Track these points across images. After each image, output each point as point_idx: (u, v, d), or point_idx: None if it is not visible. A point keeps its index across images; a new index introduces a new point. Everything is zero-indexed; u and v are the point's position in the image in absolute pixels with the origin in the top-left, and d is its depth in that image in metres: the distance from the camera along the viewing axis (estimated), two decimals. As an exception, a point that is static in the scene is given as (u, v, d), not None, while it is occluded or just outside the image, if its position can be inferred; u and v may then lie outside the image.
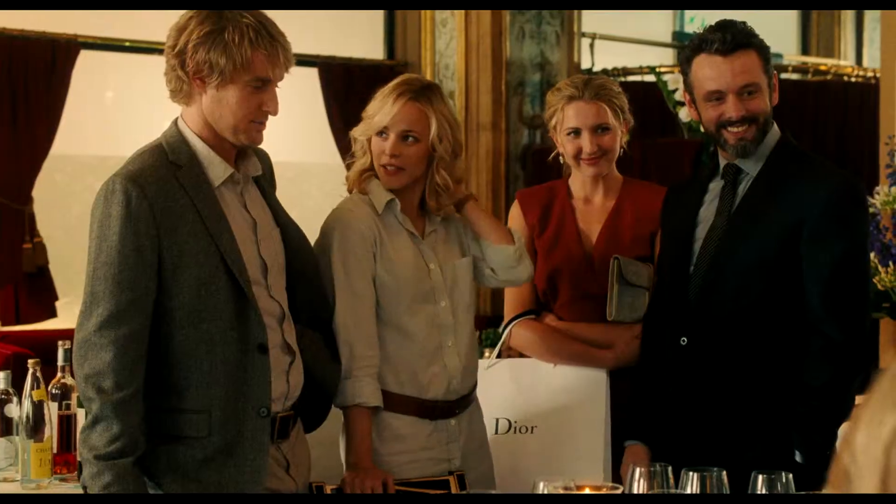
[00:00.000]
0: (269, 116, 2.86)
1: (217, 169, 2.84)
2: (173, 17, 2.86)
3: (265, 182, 3.01)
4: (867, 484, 1.02)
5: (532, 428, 3.49)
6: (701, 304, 3.17)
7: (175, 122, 2.89)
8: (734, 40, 3.08)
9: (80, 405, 3.28)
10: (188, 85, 2.81)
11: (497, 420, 3.51)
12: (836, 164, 3.28)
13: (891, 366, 1.06)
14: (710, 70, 3.09)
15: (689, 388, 3.16)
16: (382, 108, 3.16)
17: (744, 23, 3.14)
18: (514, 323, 3.57)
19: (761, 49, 3.10)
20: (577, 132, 3.45)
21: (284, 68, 2.84)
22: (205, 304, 2.74)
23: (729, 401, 3.09)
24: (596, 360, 3.46)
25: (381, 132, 3.17)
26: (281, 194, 3.10)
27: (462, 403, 3.24)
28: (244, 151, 2.92)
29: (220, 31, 2.76)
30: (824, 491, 1.08)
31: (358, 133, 3.22)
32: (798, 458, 2.92)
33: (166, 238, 2.72)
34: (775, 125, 3.17)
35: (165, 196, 2.74)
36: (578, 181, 3.57)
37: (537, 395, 3.52)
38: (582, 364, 3.48)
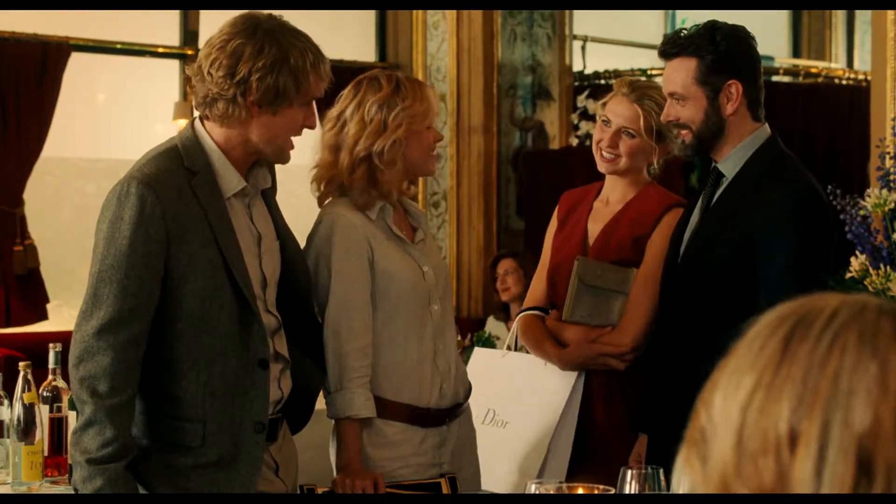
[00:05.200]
0: None
1: (231, 180, 2.81)
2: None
3: (270, 193, 3.00)
4: (722, 442, 1.07)
5: (505, 423, 3.51)
6: (668, 308, 3.20)
7: (192, 125, 2.85)
8: (671, 45, 3.13)
9: (71, 408, 3.27)
10: (242, 110, 2.77)
11: (488, 410, 3.56)
12: (826, 167, 3.29)
13: (747, 332, 1.10)
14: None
15: (660, 388, 3.21)
16: (427, 100, 3.18)
17: (710, 27, 3.12)
18: (518, 316, 3.63)
19: (707, 57, 3.08)
20: (607, 122, 3.49)
21: (328, 84, 2.88)
22: (207, 316, 2.72)
23: (689, 405, 3.11)
24: (550, 358, 3.50)
25: (430, 125, 3.21)
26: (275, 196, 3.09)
27: (453, 413, 3.24)
28: (257, 162, 2.91)
29: (285, 59, 2.74)
30: (682, 451, 1.12)
31: (392, 148, 3.14)
32: None
33: (175, 246, 2.70)
34: (764, 127, 3.16)
35: (179, 203, 2.71)
36: (609, 182, 3.59)
37: (520, 389, 3.56)
38: (546, 361, 3.52)
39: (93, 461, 2.65)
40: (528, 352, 3.63)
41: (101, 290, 2.67)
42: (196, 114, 2.90)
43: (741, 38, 3.11)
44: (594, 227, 3.55)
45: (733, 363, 1.09)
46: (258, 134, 2.79)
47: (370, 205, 3.14)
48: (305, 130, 2.90)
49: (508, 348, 3.71)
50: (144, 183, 2.68)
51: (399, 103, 3.13)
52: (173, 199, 2.70)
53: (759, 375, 1.06)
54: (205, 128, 2.83)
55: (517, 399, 3.54)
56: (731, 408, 1.07)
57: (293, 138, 2.87)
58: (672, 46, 3.12)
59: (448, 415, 3.22)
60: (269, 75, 2.73)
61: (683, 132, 3.14)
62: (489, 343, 5.60)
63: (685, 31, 3.14)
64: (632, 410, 3.43)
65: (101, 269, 2.68)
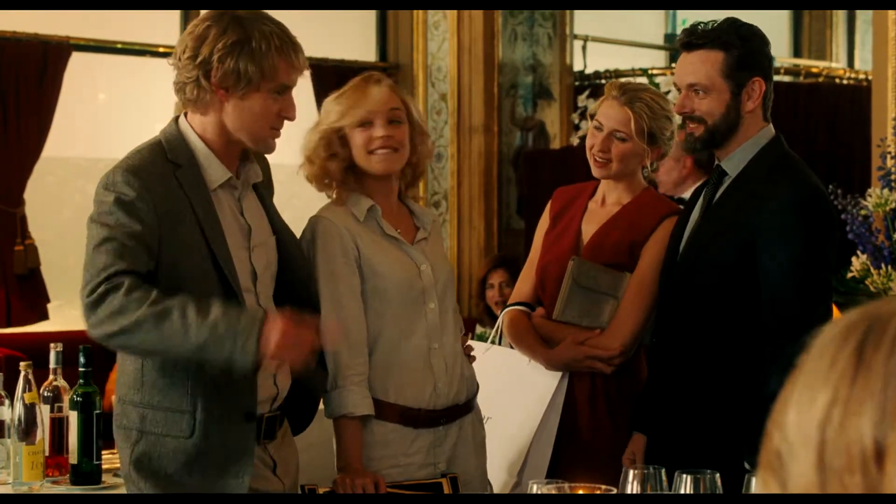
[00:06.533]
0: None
1: (215, 172, 2.82)
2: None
3: (264, 188, 3.00)
4: (802, 462, 1.02)
5: (486, 419, 3.51)
6: (666, 305, 3.20)
7: (175, 121, 2.86)
8: (696, 37, 3.10)
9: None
10: (210, 94, 2.77)
11: None
12: (827, 167, 3.29)
13: (813, 344, 1.06)
14: (677, 63, 3.16)
15: (659, 388, 3.21)
16: (362, 99, 3.13)
17: (732, 23, 3.12)
18: (504, 311, 3.62)
19: (734, 52, 3.07)
20: (599, 127, 3.47)
21: (301, 73, 2.85)
22: None
23: (689, 404, 3.11)
24: (535, 356, 3.49)
25: (364, 123, 3.13)
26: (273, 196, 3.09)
27: (450, 414, 3.22)
28: (247, 157, 2.91)
29: (247, 40, 2.73)
30: (757, 474, 1.07)
31: (318, 145, 3.15)
32: (746, 465, 2.89)
33: (166, 235, 2.70)
34: (769, 127, 3.16)
35: (166, 193, 2.72)
36: (605, 183, 3.58)
37: (502, 385, 3.55)
38: (531, 358, 3.51)
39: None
40: (512, 346, 3.63)
41: (97, 258, 2.64)
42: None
43: (761, 38, 3.13)
44: (588, 228, 3.54)
45: (803, 379, 1.05)
46: (230, 120, 2.79)
47: (355, 202, 3.14)
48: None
49: (492, 342, 3.70)
50: (131, 171, 2.70)
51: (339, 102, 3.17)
52: (161, 189, 2.71)
53: (834, 390, 1.02)
54: (188, 122, 2.83)
55: (500, 395, 3.53)
56: (808, 426, 1.02)
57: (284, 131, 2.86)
58: (697, 38, 3.10)
59: (444, 416, 3.21)
60: (228, 56, 2.73)
61: (694, 125, 3.12)
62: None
63: (704, 25, 3.13)
64: (615, 413, 3.42)
65: (96, 245, 2.66)
